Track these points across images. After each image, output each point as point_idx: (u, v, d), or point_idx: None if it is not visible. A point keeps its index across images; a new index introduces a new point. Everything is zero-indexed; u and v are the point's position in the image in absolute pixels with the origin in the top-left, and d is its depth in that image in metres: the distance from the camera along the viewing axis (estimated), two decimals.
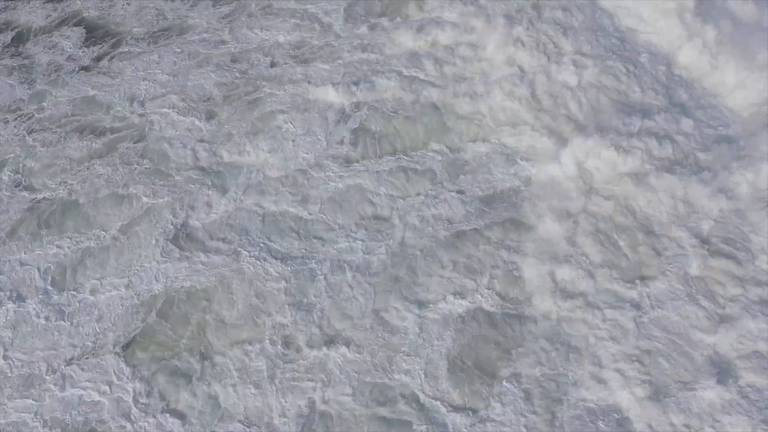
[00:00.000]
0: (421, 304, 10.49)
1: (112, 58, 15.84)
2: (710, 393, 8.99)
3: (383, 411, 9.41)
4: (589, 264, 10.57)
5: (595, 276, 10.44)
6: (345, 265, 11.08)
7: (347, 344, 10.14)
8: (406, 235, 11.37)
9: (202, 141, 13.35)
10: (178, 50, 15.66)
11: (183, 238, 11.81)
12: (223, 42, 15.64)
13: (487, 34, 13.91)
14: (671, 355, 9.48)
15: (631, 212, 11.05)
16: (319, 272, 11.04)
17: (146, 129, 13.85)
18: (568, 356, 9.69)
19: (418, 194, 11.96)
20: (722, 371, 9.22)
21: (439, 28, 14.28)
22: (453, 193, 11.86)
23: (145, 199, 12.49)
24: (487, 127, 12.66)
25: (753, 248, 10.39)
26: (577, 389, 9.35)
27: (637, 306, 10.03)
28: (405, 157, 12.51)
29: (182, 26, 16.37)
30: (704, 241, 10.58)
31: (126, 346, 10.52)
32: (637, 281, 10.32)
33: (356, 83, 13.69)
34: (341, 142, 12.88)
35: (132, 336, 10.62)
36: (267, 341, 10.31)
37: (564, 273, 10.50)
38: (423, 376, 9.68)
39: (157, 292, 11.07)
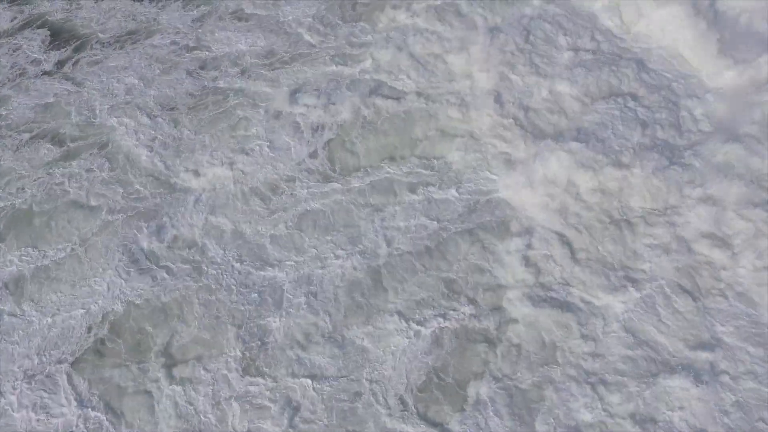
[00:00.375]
0: (391, 322, 10.20)
1: (77, 62, 15.35)
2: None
3: None
4: (569, 271, 10.40)
5: (574, 283, 10.28)
6: (313, 282, 10.75)
7: (312, 365, 9.82)
8: (379, 250, 11.06)
9: (167, 152, 12.91)
10: (146, 55, 15.21)
11: (143, 252, 11.42)
12: (192, 48, 15.21)
13: (464, 44, 13.67)
14: (652, 361, 9.38)
15: (610, 216, 10.94)
16: (285, 290, 10.70)
17: (110, 138, 13.38)
18: (546, 363, 9.53)
19: (392, 207, 11.64)
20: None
21: (414, 36, 13.98)
22: (428, 204, 11.58)
23: (105, 210, 12.07)
24: (463, 138, 12.38)
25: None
26: (557, 394, 9.19)
27: (614, 315, 9.88)
28: (379, 169, 12.18)
29: (150, 30, 15.92)
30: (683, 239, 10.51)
31: (76, 363, 10.11)
32: (619, 286, 10.16)
33: (329, 94, 13.34)
34: (313, 155, 12.53)
35: (83, 353, 10.23)
36: (226, 362, 9.96)
37: (543, 279, 10.35)
38: (392, 396, 9.40)
39: (113, 308, 10.67)
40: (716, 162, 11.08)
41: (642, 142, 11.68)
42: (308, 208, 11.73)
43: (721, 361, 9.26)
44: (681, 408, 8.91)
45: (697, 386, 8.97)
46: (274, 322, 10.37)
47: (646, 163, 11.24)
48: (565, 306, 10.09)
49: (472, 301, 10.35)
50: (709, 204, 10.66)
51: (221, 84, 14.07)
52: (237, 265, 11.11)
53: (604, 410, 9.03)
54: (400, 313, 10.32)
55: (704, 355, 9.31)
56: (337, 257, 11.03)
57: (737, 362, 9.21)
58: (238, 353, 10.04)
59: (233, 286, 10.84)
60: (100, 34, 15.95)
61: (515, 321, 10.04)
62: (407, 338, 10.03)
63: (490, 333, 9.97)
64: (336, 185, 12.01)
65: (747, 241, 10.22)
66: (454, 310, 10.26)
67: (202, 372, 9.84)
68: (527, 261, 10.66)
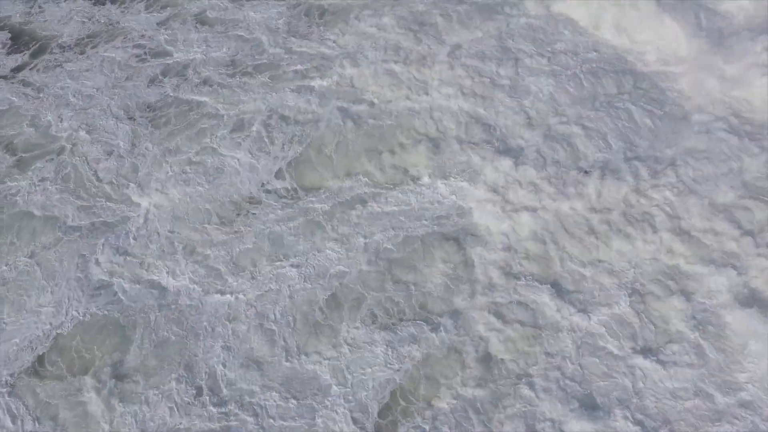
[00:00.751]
0: (351, 341, 9.89)
1: (36, 67, 14.91)
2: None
3: None
4: (525, 285, 10.17)
5: (533, 300, 10.04)
6: (270, 303, 10.39)
7: (265, 389, 9.47)
8: (341, 267, 10.72)
9: (125, 165, 12.52)
10: (107, 60, 14.80)
11: (96, 268, 11.05)
12: (154, 53, 14.82)
13: (430, 57, 13.37)
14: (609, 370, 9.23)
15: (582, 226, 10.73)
16: (240, 312, 10.33)
17: (66, 147, 12.99)
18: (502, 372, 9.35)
19: (355, 221, 11.31)
20: None
21: (378, 51, 13.62)
22: (393, 217, 11.26)
23: (59, 223, 11.68)
24: (429, 150, 12.07)
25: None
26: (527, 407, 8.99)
27: (573, 329, 9.65)
28: (344, 184, 11.83)
29: (112, 33, 15.50)
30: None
31: (18, 382, 9.76)
32: (578, 304, 9.97)
33: (294, 108, 12.98)
34: (278, 173, 12.12)
35: (24, 371, 9.88)
36: (173, 385, 9.57)
37: (498, 297, 10.13)
38: (351, 421, 9.10)
39: (61, 325, 10.30)
40: None
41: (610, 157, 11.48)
42: (269, 228, 11.34)
43: None
44: None
45: None
46: (227, 344, 10.02)
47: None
48: (532, 318, 9.86)
49: (438, 315, 10.08)
50: None
51: (183, 94, 13.67)
52: (192, 286, 10.73)
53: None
54: (360, 331, 10.00)
55: None
56: (297, 277, 10.68)
57: None
58: (187, 377, 9.68)
59: (186, 308, 10.46)
60: (60, 38, 15.51)
61: (482, 333, 9.77)
62: (369, 357, 9.71)
63: (457, 347, 9.68)
64: (299, 203, 11.63)
65: None
66: (419, 323, 9.98)
67: (151, 394, 9.46)
68: (495, 272, 10.42)
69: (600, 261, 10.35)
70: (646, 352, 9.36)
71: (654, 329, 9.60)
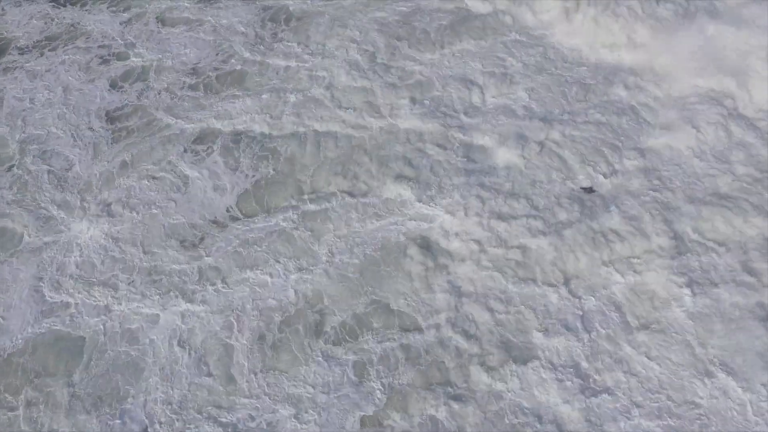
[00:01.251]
0: (314, 368, 9.59)
1: None
2: None
3: None
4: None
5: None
6: (231, 325, 10.07)
7: (228, 410, 9.19)
8: (306, 286, 10.40)
9: (82, 176, 12.13)
10: (68, 63, 14.28)
11: (48, 286, 10.68)
12: (117, 56, 14.32)
13: (402, 72, 13.04)
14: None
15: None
16: (192, 336, 9.99)
17: (23, 155, 12.57)
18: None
19: (324, 239, 10.97)
20: None
21: (342, 69, 13.13)
22: (359, 235, 10.95)
23: (10, 234, 11.36)
24: (399, 168, 11.76)
25: None
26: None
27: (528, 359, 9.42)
28: (308, 204, 11.43)
29: (74, 35, 14.93)
30: None
31: None
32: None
33: (260, 121, 12.54)
34: (242, 189, 11.72)
35: None
36: (133, 408, 9.30)
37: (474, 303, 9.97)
38: None
39: (10, 343, 9.99)
40: None
41: None
42: (232, 248, 10.97)
43: None
44: None
45: None
46: (180, 368, 9.71)
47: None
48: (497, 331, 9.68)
49: (405, 330, 9.87)
50: None
51: (145, 102, 13.20)
52: (147, 310, 10.36)
53: None
54: (325, 354, 9.75)
55: None
56: (259, 297, 10.35)
57: None
58: (145, 399, 9.36)
59: (144, 326, 10.13)
60: (19, 40, 14.90)
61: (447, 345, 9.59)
62: (335, 378, 9.46)
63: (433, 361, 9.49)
64: (263, 223, 11.25)
65: None
66: (387, 341, 9.76)
67: (94, 424, 9.17)
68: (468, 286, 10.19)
69: None
70: None
71: None
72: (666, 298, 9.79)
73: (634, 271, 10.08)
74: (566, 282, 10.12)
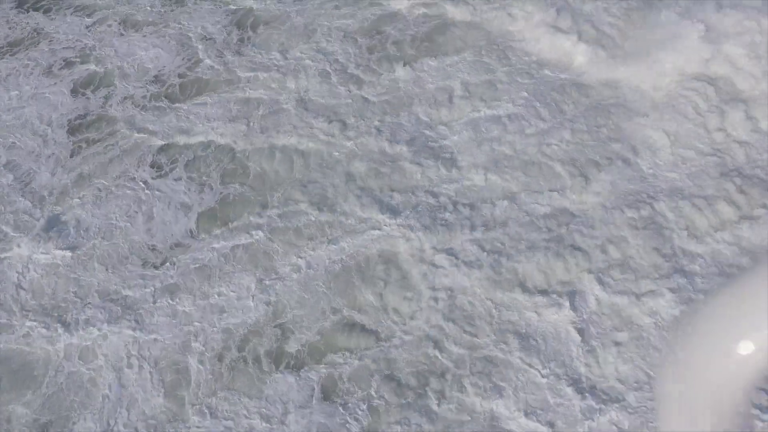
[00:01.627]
0: (271, 386, 9.06)
1: None
2: None
3: None
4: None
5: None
6: (190, 344, 9.54)
7: None
8: (265, 305, 9.87)
9: (36, 189, 11.66)
10: (30, 67, 13.72)
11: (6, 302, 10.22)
12: (80, 60, 13.80)
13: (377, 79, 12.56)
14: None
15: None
16: (155, 354, 9.50)
17: None
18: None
19: (290, 258, 10.43)
20: None
21: (321, 72, 12.62)
22: (334, 254, 10.38)
23: None
24: (358, 188, 11.22)
25: None
26: None
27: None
28: (281, 223, 10.91)
29: (36, 39, 14.46)
30: None
31: None
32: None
33: (228, 134, 11.98)
34: (206, 205, 11.22)
35: None
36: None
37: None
38: None
39: None
40: None
41: None
42: (192, 266, 10.47)
43: None
44: None
45: None
46: (137, 394, 9.20)
47: None
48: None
49: (365, 349, 9.32)
50: None
51: (108, 110, 12.70)
52: (99, 330, 9.85)
53: None
54: (290, 372, 9.22)
55: None
56: (221, 317, 9.84)
57: None
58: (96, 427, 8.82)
59: (97, 351, 9.60)
60: None
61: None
62: (298, 401, 8.93)
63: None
64: (230, 240, 10.72)
65: None
66: (359, 359, 9.21)
67: None
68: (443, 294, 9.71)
69: None
70: None
71: None
72: None
73: None
74: (547, 288, 9.55)
